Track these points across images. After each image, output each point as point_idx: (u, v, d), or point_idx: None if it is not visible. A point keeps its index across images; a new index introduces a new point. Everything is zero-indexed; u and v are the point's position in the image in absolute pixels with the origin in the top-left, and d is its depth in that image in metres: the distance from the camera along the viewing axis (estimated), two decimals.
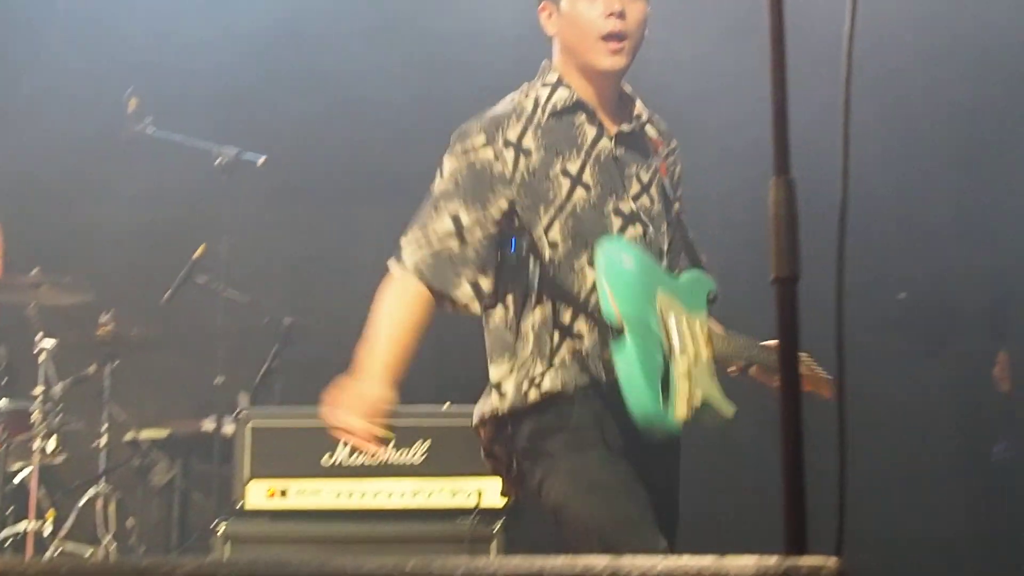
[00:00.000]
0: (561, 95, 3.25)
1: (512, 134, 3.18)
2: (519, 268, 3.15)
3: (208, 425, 5.99)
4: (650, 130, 3.36)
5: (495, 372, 3.14)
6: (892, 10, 5.65)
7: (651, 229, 3.21)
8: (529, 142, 3.18)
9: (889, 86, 6.09)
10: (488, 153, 3.17)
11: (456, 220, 3.13)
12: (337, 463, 4.98)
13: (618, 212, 3.18)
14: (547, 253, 3.12)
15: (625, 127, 3.26)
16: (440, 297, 3.11)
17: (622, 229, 3.16)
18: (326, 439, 4.80)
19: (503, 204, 3.13)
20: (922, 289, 6.55)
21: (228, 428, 5.55)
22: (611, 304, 2.94)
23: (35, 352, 5.86)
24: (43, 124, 6.65)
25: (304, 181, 6.86)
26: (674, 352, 2.99)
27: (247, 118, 6.55)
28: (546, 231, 3.13)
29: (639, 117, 3.33)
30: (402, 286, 3.12)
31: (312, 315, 6.37)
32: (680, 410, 2.92)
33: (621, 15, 3.13)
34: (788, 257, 1.94)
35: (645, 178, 3.27)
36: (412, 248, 3.14)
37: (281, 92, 6.88)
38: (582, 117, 3.25)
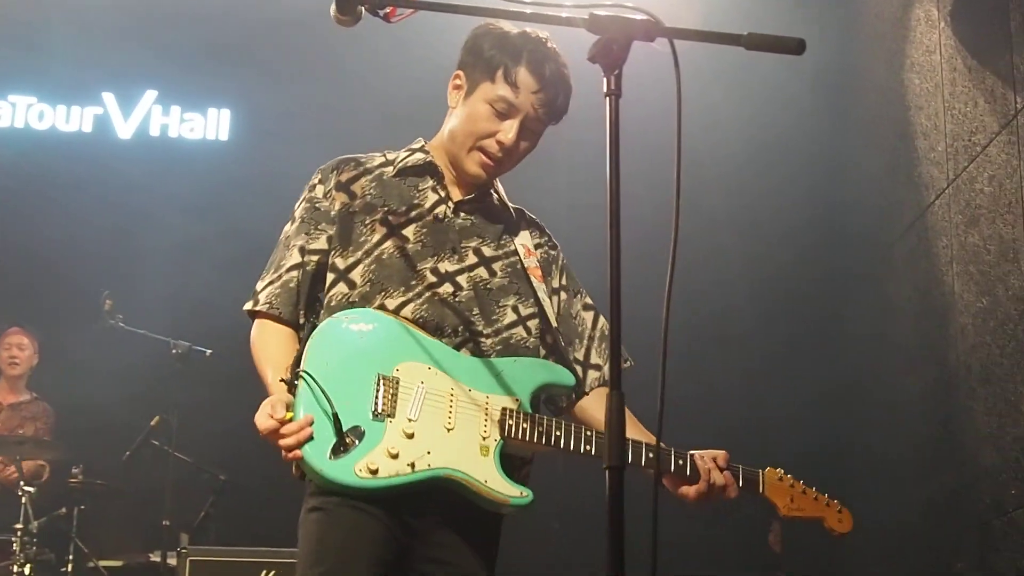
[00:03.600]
0: (416, 158, 3.15)
1: (344, 177, 3.11)
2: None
3: (155, 558, 6.50)
4: (513, 214, 3.23)
5: None
6: None
7: (464, 294, 3.02)
8: (357, 188, 3.10)
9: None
10: (319, 191, 3.11)
11: (301, 251, 3.07)
12: None
13: (435, 271, 3.02)
14: (344, 291, 3.00)
15: (467, 196, 3.14)
16: (288, 325, 3.04)
17: (431, 286, 2.99)
18: (253, 571, 5.75)
19: (323, 240, 3.06)
20: None
21: (172, 561, 6.17)
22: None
23: (19, 494, 6.57)
24: None
25: (241, 370, 7.62)
26: (387, 415, 2.80)
27: (199, 318, 7.29)
28: (347, 271, 3.02)
29: (492, 196, 3.19)
30: (257, 329, 3.04)
31: (243, 474, 6.95)
32: (363, 467, 2.74)
33: (505, 146, 3.02)
34: (618, 452, 2.11)
35: (489, 253, 3.12)
36: (263, 284, 3.07)
37: (225, 297, 7.85)
38: (429, 182, 3.14)
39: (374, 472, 2.75)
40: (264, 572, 5.89)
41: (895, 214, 6.24)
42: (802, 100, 7.22)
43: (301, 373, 2.79)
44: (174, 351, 6.78)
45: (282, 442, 2.73)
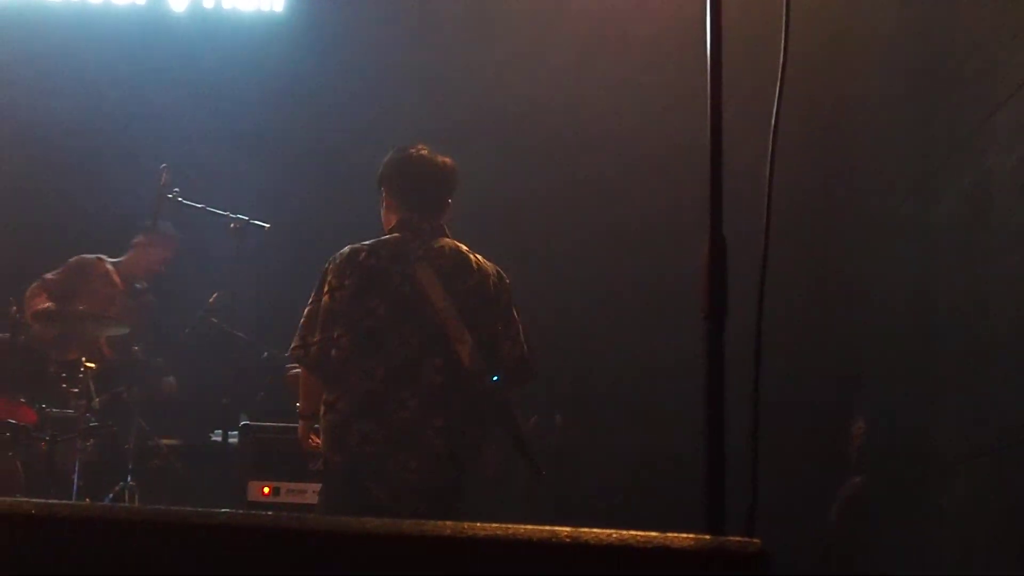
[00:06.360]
0: None
1: None
2: None
3: (216, 437, 6.36)
4: None
5: None
6: None
7: None
8: None
9: None
10: None
11: None
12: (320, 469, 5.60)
13: None
14: None
15: None
16: None
17: None
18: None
19: None
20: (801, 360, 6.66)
21: (233, 439, 5.97)
22: None
23: (80, 372, 6.26)
24: None
25: (298, 244, 7.13)
26: None
27: (256, 193, 7.06)
28: None
29: None
30: None
31: None
32: None
33: None
34: (718, 297, 2.06)
35: None
36: None
37: (280, 171, 7.54)
38: None
39: None
40: None
41: (999, 74, 5.42)
42: None
43: None
44: (232, 226, 6.31)
45: None
